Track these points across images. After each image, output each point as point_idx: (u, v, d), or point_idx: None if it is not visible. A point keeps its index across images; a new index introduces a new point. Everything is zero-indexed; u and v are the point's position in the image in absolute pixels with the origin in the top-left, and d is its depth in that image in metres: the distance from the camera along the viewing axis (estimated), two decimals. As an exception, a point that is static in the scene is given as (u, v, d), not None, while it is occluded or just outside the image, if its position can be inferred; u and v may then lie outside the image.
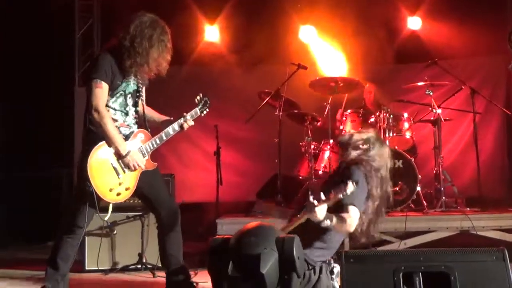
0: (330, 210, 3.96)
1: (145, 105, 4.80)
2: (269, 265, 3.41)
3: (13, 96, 8.33)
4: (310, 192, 4.04)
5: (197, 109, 4.83)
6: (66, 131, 8.53)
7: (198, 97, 4.87)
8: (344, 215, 4.05)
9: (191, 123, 4.75)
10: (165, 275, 4.83)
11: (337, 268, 4.18)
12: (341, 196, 3.90)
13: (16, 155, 8.48)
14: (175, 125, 4.68)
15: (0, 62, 6.37)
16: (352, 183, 3.89)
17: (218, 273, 3.55)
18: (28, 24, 8.54)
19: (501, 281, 3.30)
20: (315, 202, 3.88)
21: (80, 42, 9.01)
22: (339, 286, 3.79)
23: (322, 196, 3.88)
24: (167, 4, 8.77)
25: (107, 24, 9.11)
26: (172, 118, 4.76)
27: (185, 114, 4.74)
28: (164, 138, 4.66)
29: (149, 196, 4.70)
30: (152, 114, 4.84)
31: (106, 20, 9.15)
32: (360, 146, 4.40)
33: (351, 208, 4.10)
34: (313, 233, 4.11)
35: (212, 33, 9.21)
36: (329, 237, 4.20)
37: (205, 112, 4.88)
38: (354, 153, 4.37)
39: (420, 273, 3.36)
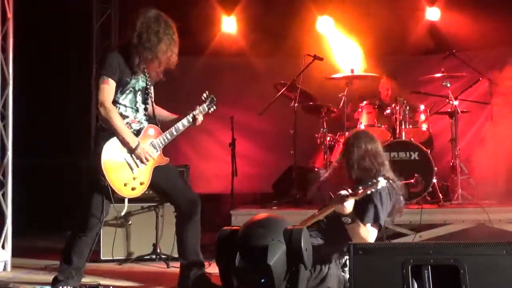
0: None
1: (154, 103, 4.82)
2: (276, 257, 3.41)
3: (33, 85, 8.38)
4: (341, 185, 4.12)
5: (204, 105, 4.84)
6: (84, 121, 8.61)
7: (205, 94, 4.88)
8: (363, 230, 4.14)
9: (200, 118, 4.77)
10: (179, 266, 4.84)
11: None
12: (372, 190, 4.01)
13: (36, 144, 8.55)
14: (185, 121, 4.71)
15: (19, 53, 6.46)
16: (383, 179, 3.96)
17: (226, 265, 3.55)
18: (47, 15, 8.60)
19: (511, 275, 3.26)
20: (346, 193, 4.00)
21: (98, 32, 9.06)
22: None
23: (347, 191, 4.03)
24: (185, -5, 8.82)
25: (125, 15, 9.12)
26: (180, 117, 4.76)
27: (195, 108, 4.77)
28: (175, 133, 4.69)
29: (167, 189, 4.74)
30: (161, 112, 4.87)
31: (124, 11, 9.18)
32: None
33: (372, 228, 4.21)
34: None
35: (229, 24, 9.20)
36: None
37: (212, 109, 4.90)
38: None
39: (429, 266, 3.33)
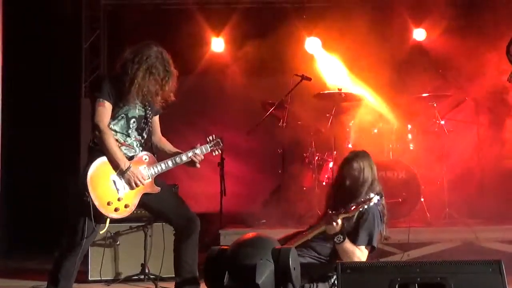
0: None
1: (158, 133, 4.84)
2: (264, 276, 3.42)
3: (22, 104, 8.38)
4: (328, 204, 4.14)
5: (207, 145, 4.80)
6: (72, 139, 8.60)
7: (211, 137, 4.84)
8: (356, 250, 4.17)
9: (201, 157, 4.74)
10: (167, 286, 4.82)
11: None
12: (364, 207, 4.01)
13: (25, 162, 8.51)
14: (183, 156, 4.68)
15: (8, 72, 6.46)
16: (376, 195, 3.98)
17: (215, 284, 3.56)
18: (35, 34, 8.62)
19: (497, 293, 3.29)
20: (334, 213, 4.06)
21: (87, 52, 9.09)
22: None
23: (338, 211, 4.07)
24: (174, 16, 8.92)
25: (114, 35, 9.19)
26: (181, 151, 4.76)
27: (197, 146, 4.75)
28: (171, 165, 4.66)
29: (161, 209, 4.73)
30: (165, 145, 4.86)
31: (113, 31, 9.24)
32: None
33: (365, 250, 4.24)
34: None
35: (218, 44, 9.27)
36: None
37: (216, 152, 4.86)
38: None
39: (416, 285, 3.35)
